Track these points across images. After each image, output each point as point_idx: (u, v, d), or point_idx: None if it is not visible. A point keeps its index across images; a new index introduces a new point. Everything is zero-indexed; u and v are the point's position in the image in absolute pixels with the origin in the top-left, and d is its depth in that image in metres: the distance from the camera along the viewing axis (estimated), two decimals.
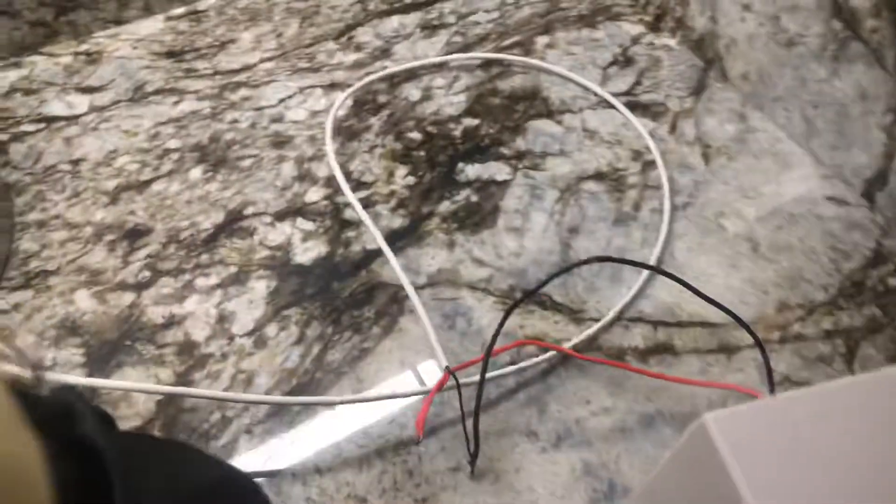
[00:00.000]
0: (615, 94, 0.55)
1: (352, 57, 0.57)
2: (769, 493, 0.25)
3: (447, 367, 0.37)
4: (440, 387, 0.37)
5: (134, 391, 0.37)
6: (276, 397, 0.38)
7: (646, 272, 0.45)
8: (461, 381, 0.37)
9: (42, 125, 0.51)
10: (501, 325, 0.37)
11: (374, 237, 0.44)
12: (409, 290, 0.41)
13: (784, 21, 0.49)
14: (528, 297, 0.39)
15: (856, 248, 0.46)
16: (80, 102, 0.53)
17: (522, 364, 0.40)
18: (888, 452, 0.25)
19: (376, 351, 0.41)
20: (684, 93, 0.56)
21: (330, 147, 0.48)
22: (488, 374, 0.39)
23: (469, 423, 0.36)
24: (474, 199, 0.48)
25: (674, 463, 0.30)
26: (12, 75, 0.54)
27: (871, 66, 0.45)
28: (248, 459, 0.37)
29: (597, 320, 0.42)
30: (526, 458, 0.38)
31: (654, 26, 0.61)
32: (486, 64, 0.57)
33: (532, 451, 0.38)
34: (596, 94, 0.55)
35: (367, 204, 0.47)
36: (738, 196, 0.49)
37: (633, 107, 0.54)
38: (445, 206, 0.48)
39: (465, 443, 0.37)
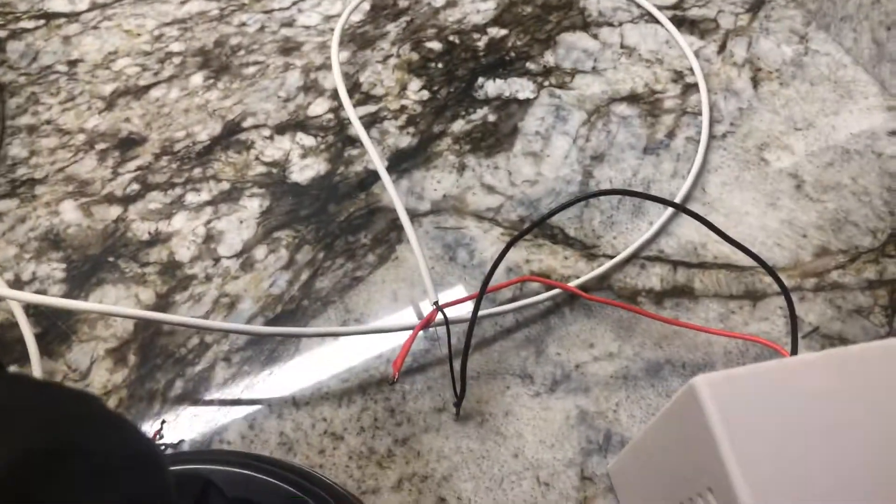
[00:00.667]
0: (661, 7, 0.49)
1: None
2: (758, 470, 0.21)
3: (436, 303, 0.34)
4: (426, 324, 0.34)
5: (109, 315, 0.35)
6: (251, 326, 0.36)
7: (670, 209, 0.40)
8: (458, 316, 0.34)
9: (41, 21, 0.48)
10: (500, 258, 0.33)
11: (377, 160, 0.41)
12: (404, 217, 0.38)
13: None
14: (533, 228, 0.35)
15: None
16: None
17: (522, 302, 0.37)
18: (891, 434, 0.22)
19: (369, 280, 0.38)
20: (740, 8, 0.50)
21: (335, 56, 0.44)
22: (485, 312, 0.36)
23: (457, 363, 0.34)
24: (492, 118, 0.44)
25: (663, 423, 0.27)
26: None
27: None
28: (225, 388, 0.35)
29: (611, 257, 0.39)
30: (517, 402, 0.35)
31: None
32: None
33: (524, 394, 0.35)
34: (639, 6, 0.49)
35: (374, 120, 0.44)
36: (788, 127, 0.44)
37: (680, 22, 0.49)
38: (459, 126, 0.44)
39: (447, 379, 0.35)
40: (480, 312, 0.35)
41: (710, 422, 0.22)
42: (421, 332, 0.37)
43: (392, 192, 0.39)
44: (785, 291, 0.34)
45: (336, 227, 0.40)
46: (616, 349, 0.36)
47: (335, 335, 0.36)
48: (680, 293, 0.38)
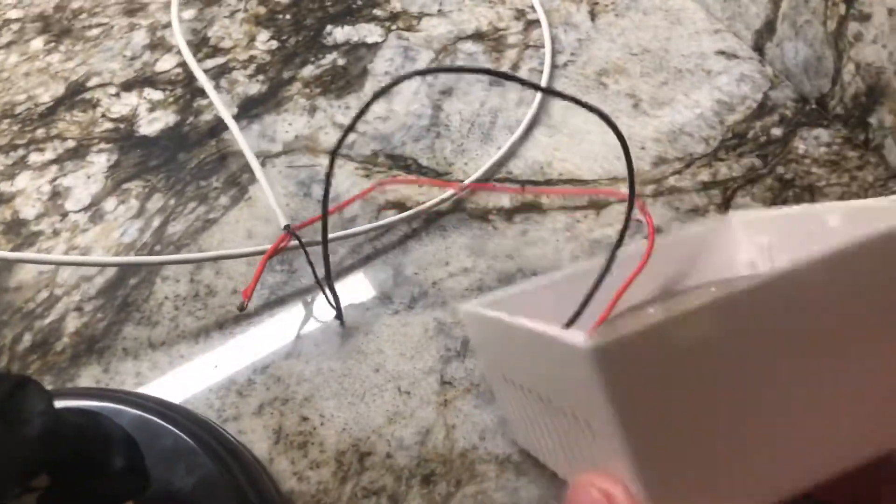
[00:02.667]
0: None
1: None
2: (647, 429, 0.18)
3: (287, 227, 0.35)
4: (276, 247, 0.34)
5: None
6: (99, 257, 0.35)
7: (518, 133, 0.42)
8: (313, 239, 0.35)
9: None
10: (331, 166, 0.34)
11: (224, 110, 0.41)
12: (249, 155, 0.38)
13: None
14: (360, 117, 0.36)
15: (742, 101, 0.44)
16: None
17: (377, 224, 0.38)
18: None
19: (222, 221, 0.38)
20: None
21: (175, 8, 0.44)
22: (340, 233, 0.37)
23: (325, 285, 0.34)
24: (341, 62, 0.45)
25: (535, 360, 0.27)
26: None
27: None
28: (77, 338, 0.35)
29: (463, 181, 0.40)
30: (377, 321, 0.36)
31: None
32: None
33: (384, 313, 0.36)
34: None
35: (223, 71, 0.44)
36: (624, 54, 0.46)
37: None
38: (309, 71, 0.44)
39: (306, 307, 0.35)
40: (338, 234, 0.36)
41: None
42: (279, 268, 0.37)
43: (237, 135, 0.39)
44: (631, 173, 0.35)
45: (187, 174, 0.40)
46: (471, 264, 0.38)
47: (187, 262, 0.36)
48: (529, 209, 0.39)
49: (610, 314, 0.29)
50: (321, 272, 0.33)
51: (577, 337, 0.17)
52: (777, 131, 0.42)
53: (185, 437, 0.29)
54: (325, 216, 0.31)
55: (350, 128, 0.27)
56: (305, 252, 0.35)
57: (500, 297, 0.28)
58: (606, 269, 0.26)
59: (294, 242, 0.35)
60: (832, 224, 0.27)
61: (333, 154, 0.33)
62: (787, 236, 0.29)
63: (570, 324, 0.28)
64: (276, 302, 0.36)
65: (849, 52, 0.41)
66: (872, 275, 0.19)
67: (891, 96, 0.40)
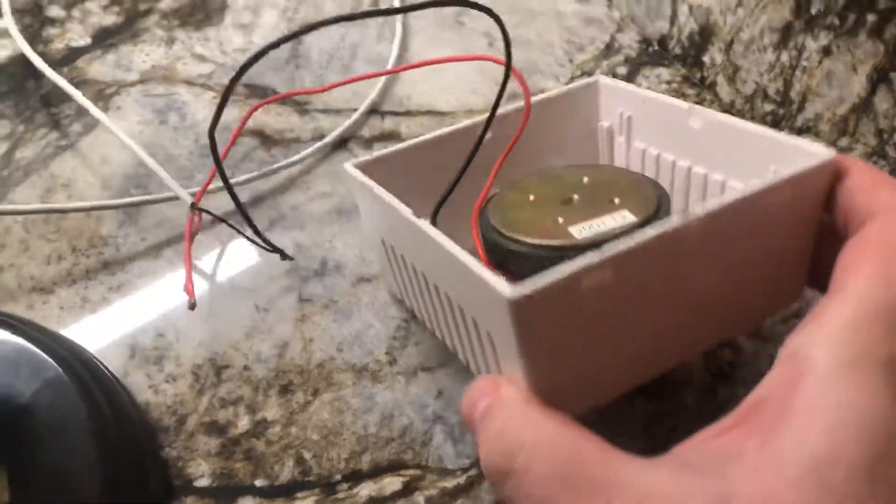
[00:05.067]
0: None
1: None
2: None
3: (192, 205, 0.34)
4: (195, 232, 0.34)
5: None
6: None
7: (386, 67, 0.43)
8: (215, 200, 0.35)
9: None
10: (218, 115, 0.34)
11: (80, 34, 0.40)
12: (80, 97, 0.37)
13: None
14: (242, 73, 0.36)
15: (591, 42, 0.47)
16: None
17: (269, 168, 0.38)
18: None
19: (76, 147, 0.38)
20: None
21: None
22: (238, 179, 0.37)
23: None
24: None
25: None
26: None
27: None
28: None
29: (324, 112, 0.41)
30: (234, 242, 0.36)
31: None
32: None
33: (240, 237, 0.36)
34: None
35: (75, 1, 0.43)
36: None
37: None
38: (167, 3, 0.44)
39: (160, 233, 0.35)
40: (236, 180, 0.36)
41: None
42: (133, 190, 0.37)
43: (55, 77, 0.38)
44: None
45: (37, 101, 0.39)
46: (330, 189, 0.39)
47: (45, 212, 0.35)
48: (388, 137, 0.41)
49: (490, 186, 0.30)
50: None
51: (502, 285, 0.20)
52: (622, 70, 0.45)
53: (29, 343, 0.29)
54: (232, 195, 0.31)
55: (249, 65, 0.27)
56: (219, 217, 0.35)
57: (384, 155, 0.30)
58: (483, 136, 0.28)
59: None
60: (694, 126, 0.30)
61: (226, 92, 0.33)
62: (647, 117, 0.32)
63: (444, 199, 0.29)
64: (130, 223, 0.36)
65: None
66: (738, 226, 0.23)
67: (719, 35, 0.43)
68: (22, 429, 0.28)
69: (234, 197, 0.30)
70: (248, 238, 0.35)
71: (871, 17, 0.36)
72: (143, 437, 0.30)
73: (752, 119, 0.43)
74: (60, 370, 0.28)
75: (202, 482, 0.31)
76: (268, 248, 0.34)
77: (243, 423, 0.32)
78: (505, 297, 0.20)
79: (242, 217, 0.32)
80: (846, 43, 0.37)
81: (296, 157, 0.39)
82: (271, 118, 0.40)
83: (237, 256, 0.36)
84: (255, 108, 0.37)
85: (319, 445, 0.32)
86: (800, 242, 0.26)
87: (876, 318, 0.18)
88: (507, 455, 0.20)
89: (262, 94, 0.41)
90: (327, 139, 0.40)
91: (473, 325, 0.25)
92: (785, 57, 0.40)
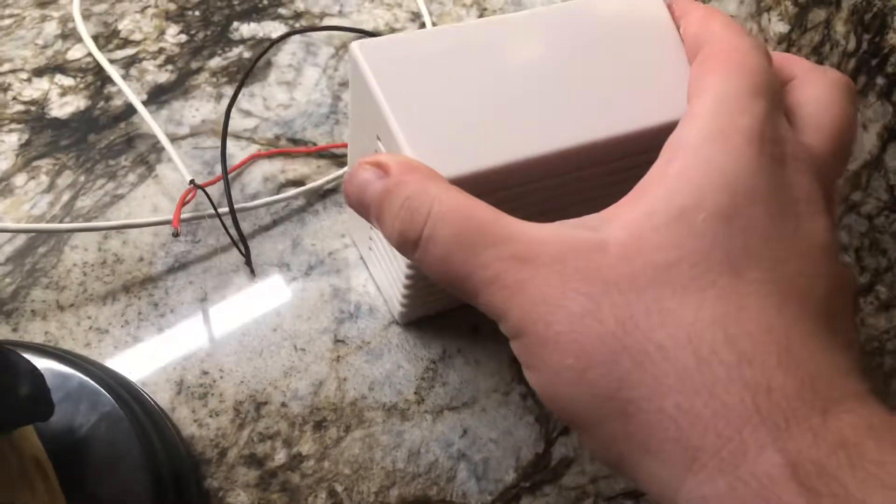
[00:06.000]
0: None
1: None
2: (410, 110, 0.27)
3: (192, 181, 0.38)
4: (187, 195, 0.37)
5: None
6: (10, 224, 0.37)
7: None
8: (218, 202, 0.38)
9: None
10: (227, 115, 0.37)
11: (131, 93, 0.44)
12: (158, 132, 0.41)
13: None
14: (249, 71, 0.39)
15: None
16: None
17: (277, 196, 0.41)
18: (522, 82, 0.29)
19: (129, 197, 0.41)
20: None
21: (77, 3, 0.46)
22: (241, 205, 0.40)
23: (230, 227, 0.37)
24: (247, 55, 0.48)
25: (353, 111, 0.32)
26: None
27: None
28: None
29: None
30: (276, 289, 0.39)
31: None
32: None
33: (281, 281, 0.39)
34: None
35: (132, 61, 0.46)
36: None
37: None
38: (216, 62, 0.47)
39: (207, 278, 0.38)
40: (241, 205, 0.39)
41: (367, 79, 0.27)
42: (183, 238, 0.40)
43: (146, 117, 0.42)
44: None
45: (97, 153, 0.42)
46: None
47: (95, 230, 0.38)
48: None
49: None
50: (222, 240, 0.36)
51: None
52: None
53: (89, 379, 0.31)
54: (227, 188, 0.34)
55: (235, 94, 0.30)
56: (212, 202, 0.38)
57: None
58: None
59: (200, 212, 0.38)
60: None
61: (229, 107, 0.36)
62: None
63: None
64: (179, 268, 0.39)
65: None
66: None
67: None
68: (80, 458, 0.30)
69: (229, 203, 0.33)
70: (230, 236, 0.39)
71: (880, 81, 0.38)
72: (188, 468, 0.33)
73: None
74: (116, 404, 0.31)
75: None
76: (244, 255, 0.39)
77: (280, 457, 0.34)
78: (349, 48, 0.27)
79: (233, 225, 0.35)
80: (858, 104, 0.39)
81: (332, 205, 0.42)
82: (311, 169, 0.43)
83: (281, 300, 0.38)
84: (255, 156, 0.40)
85: (351, 479, 0.34)
86: None
87: (733, 99, 0.22)
88: (414, 224, 0.22)
89: (304, 146, 0.44)
90: None
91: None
92: None
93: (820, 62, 0.39)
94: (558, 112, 0.28)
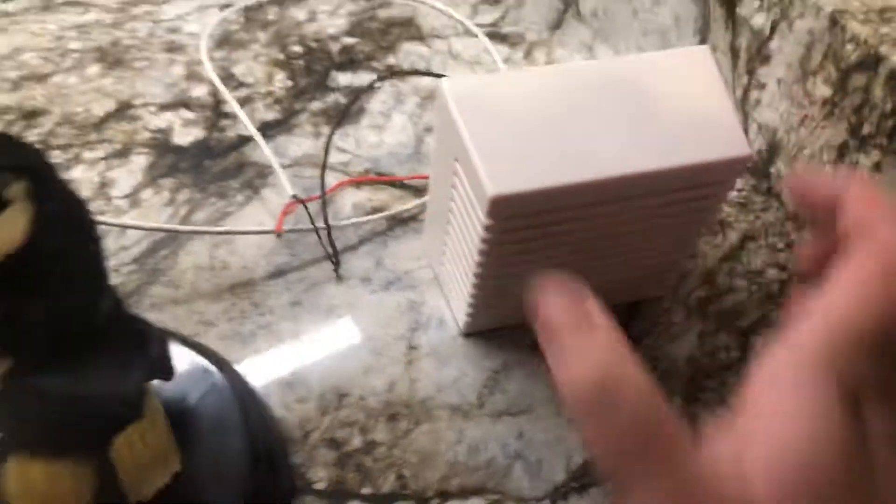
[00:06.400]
0: (480, 26, 0.62)
1: None
2: (488, 141, 0.33)
3: (294, 195, 0.44)
4: (287, 209, 0.43)
5: None
6: (140, 222, 0.44)
7: None
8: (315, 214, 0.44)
9: None
10: (330, 136, 0.43)
11: (249, 123, 0.50)
12: (270, 155, 0.47)
13: None
14: (345, 113, 0.45)
15: None
16: None
17: (365, 218, 0.46)
18: (590, 126, 0.34)
19: (238, 214, 0.47)
20: (543, 28, 0.63)
21: (204, 49, 0.54)
22: (333, 222, 0.45)
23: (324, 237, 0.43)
24: (343, 101, 0.54)
25: (436, 142, 0.38)
26: None
27: None
28: None
29: None
30: (358, 299, 0.44)
31: None
32: None
33: (364, 293, 0.44)
34: (463, 25, 0.62)
35: (245, 101, 0.53)
36: None
37: (494, 36, 0.61)
38: (316, 105, 0.54)
39: (301, 286, 0.43)
40: (333, 223, 0.45)
41: (450, 108, 0.34)
42: (282, 251, 0.45)
43: (261, 142, 0.48)
44: None
45: (210, 176, 0.48)
46: None
47: (204, 232, 0.44)
48: None
49: None
50: (316, 252, 0.41)
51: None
52: None
53: (201, 357, 0.36)
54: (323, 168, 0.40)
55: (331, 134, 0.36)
56: (309, 214, 0.44)
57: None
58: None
59: (300, 227, 0.44)
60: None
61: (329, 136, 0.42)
62: None
63: None
64: (277, 275, 0.44)
65: (753, 115, 0.51)
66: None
67: (784, 151, 0.49)
68: (190, 424, 0.35)
69: (325, 219, 0.38)
70: (324, 248, 0.45)
71: None
72: (279, 443, 0.37)
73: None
74: (223, 381, 0.36)
75: (320, 486, 0.37)
76: (333, 259, 0.44)
77: (356, 442, 0.39)
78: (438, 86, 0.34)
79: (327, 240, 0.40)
80: (893, 160, 0.43)
81: (411, 231, 0.47)
82: (394, 199, 0.49)
83: (363, 309, 0.43)
84: (345, 183, 0.45)
85: (417, 466, 0.38)
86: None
87: (846, 338, 0.21)
88: (601, 388, 0.20)
89: (390, 181, 0.50)
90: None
91: None
92: (842, 171, 0.46)
93: (860, 123, 0.43)
94: (612, 145, 0.34)
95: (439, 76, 0.56)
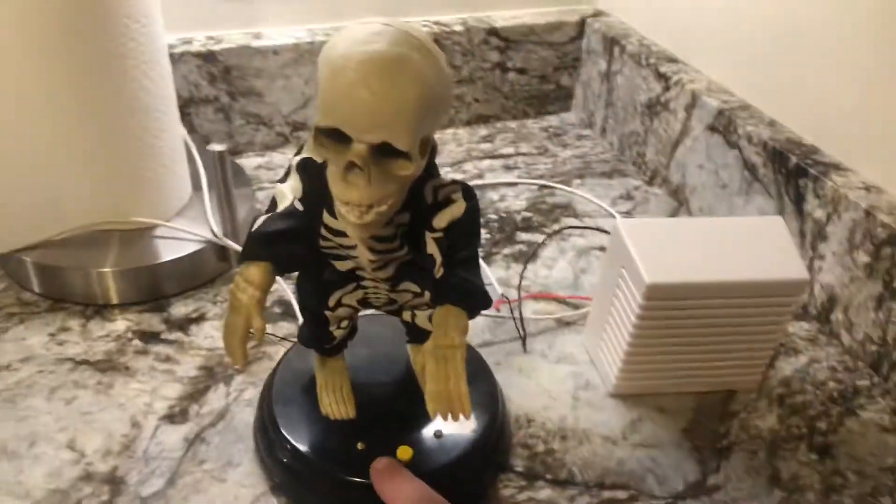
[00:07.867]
0: (619, 212, 0.87)
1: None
2: (647, 257, 0.55)
3: (502, 295, 0.66)
4: (498, 305, 0.66)
5: None
6: None
7: None
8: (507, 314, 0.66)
9: None
10: (523, 275, 0.66)
11: None
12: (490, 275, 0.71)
13: (721, 173, 0.82)
14: (531, 257, 0.68)
15: None
16: None
17: (542, 316, 0.69)
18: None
19: None
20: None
21: None
22: (527, 316, 0.67)
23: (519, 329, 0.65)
24: (525, 249, 0.79)
25: (605, 261, 0.60)
26: None
27: (766, 196, 0.76)
28: None
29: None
30: (540, 366, 0.65)
31: (649, 181, 0.94)
32: (541, 187, 0.90)
33: (543, 363, 0.65)
34: (605, 210, 0.87)
35: None
36: None
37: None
38: (507, 250, 0.78)
39: (500, 352, 0.65)
40: (516, 315, 0.67)
41: (621, 233, 0.56)
42: (490, 328, 0.68)
43: None
44: None
45: None
46: None
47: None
48: None
49: None
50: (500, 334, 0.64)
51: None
52: None
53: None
54: (520, 290, 0.63)
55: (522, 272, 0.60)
56: (511, 309, 0.66)
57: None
58: None
59: (503, 310, 0.67)
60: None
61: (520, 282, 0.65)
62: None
63: None
64: (486, 345, 0.66)
65: (817, 277, 0.72)
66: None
67: (840, 302, 0.70)
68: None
69: (520, 313, 0.60)
70: (518, 332, 0.64)
71: None
72: (506, 420, 0.58)
73: (862, 359, 0.68)
74: (480, 356, 0.57)
75: (518, 469, 0.57)
76: (521, 334, 0.64)
77: (540, 448, 0.58)
78: (614, 224, 0.61)
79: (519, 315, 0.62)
80: None
81: (573, 332, 0.69)
82: (560, 310, 0.71)
83: (542, 372, 0.64)
84: (529, 296, 0.68)
85: (581, 467, 0.57)
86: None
87: None
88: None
89: (554, 299, 0.72)
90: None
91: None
92: (882, 315, 0.66)
93: (891, 280, 0.64)
94: (720, 263, 0.56)
95: (604, 231, 0.81)
